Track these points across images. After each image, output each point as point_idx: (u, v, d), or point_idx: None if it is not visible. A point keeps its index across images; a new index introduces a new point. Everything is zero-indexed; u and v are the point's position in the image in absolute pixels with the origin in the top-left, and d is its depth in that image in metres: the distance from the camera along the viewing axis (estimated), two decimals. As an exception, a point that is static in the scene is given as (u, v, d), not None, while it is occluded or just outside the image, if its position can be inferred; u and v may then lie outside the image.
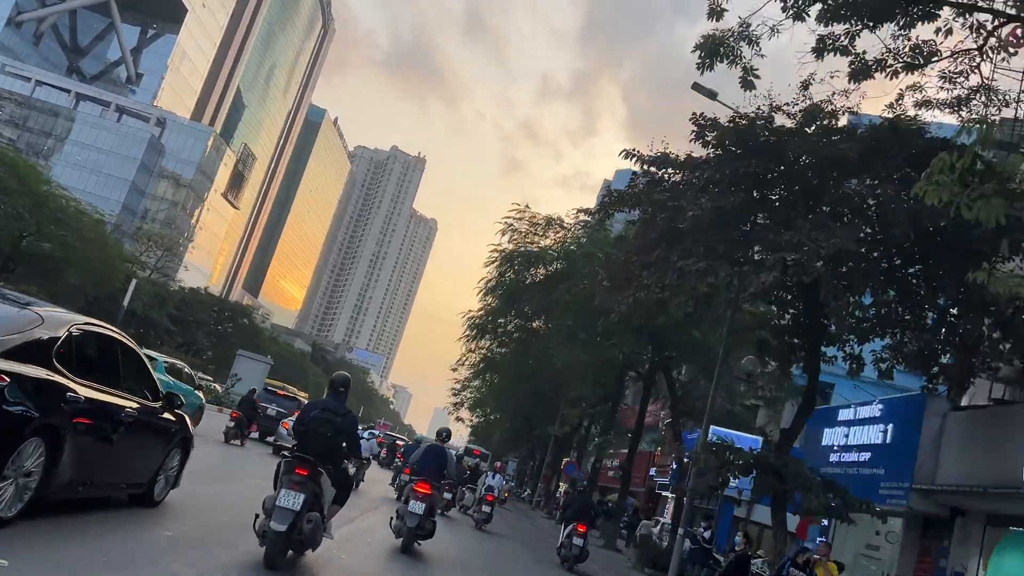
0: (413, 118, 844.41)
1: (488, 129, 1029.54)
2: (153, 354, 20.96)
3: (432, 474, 11.59)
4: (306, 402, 13.53)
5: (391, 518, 11.53)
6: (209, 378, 43.80)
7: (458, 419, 51.77)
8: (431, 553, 11.31)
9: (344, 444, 7.58)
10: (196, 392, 22.30)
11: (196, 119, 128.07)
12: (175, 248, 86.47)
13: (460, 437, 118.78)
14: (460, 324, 33.98)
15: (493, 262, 27.35)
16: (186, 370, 23.10)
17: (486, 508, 19.76)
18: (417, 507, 10.81)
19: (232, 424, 20.87)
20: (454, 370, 47.28)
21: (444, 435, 12.99)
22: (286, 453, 8.63)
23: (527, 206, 25.93)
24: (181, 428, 8.19)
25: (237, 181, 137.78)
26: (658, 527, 27.11)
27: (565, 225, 25.71)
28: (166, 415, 7.79)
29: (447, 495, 18.59)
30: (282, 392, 27.45)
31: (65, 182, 58.09)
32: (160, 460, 7.79)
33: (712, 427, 28.69)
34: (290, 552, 7.15)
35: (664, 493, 34.04)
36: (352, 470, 11.18)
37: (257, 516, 6.98)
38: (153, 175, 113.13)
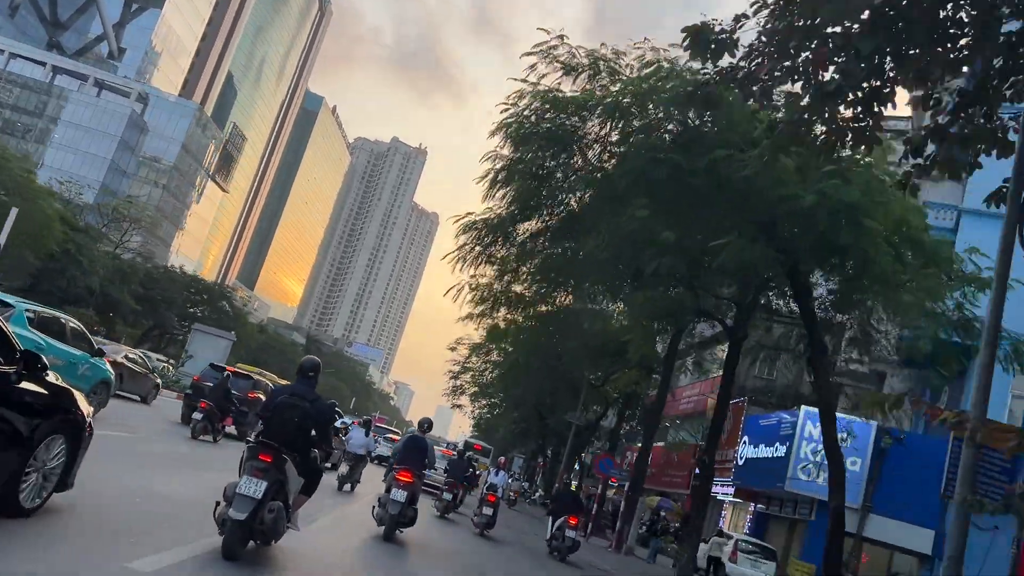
0: (419, 115, 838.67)
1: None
2: (8, 298, 13.97)
3: (413, 463, 11.75)
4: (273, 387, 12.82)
5: (373, 507, 11.78)
6: (165, 359, 36.93)
7: (455, 406, 44.90)
8: (411, 542, 11.65)
9: (313, 432, 7.21)
10: (98, 362, 15.37)
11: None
12: (152, 226, 79.39)
13: (462, 432, 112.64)
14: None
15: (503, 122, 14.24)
16: (72, 325, 15.92)
17: (487, 510, 17.24)
18: (399, 495, 11.16)
19: (200, 417, 17.40)
20: (452, 349, 40.43)
21: (425, 425, 13.15)
22: (250, 439, 7.25)
23: (561, 37, 13.34)
24: (60, 406, 6.20)
25: (226, 162, 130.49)
26: (730, 544, 20.06)
27: (623, 68, 13.35)
28: (27, 385, 5.77)
29: (447, 495, 18.24)
30: (248, 377, 23.31)
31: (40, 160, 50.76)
32: (21, 452, 5.72)
33: (804, 408, 21.81)
34: (252, 543, 6.80)
35: (724, 498, 26.97)
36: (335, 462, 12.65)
37: (218, 504, 6.66)
38: (135, 154, 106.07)
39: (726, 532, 22.26)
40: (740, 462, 23.97)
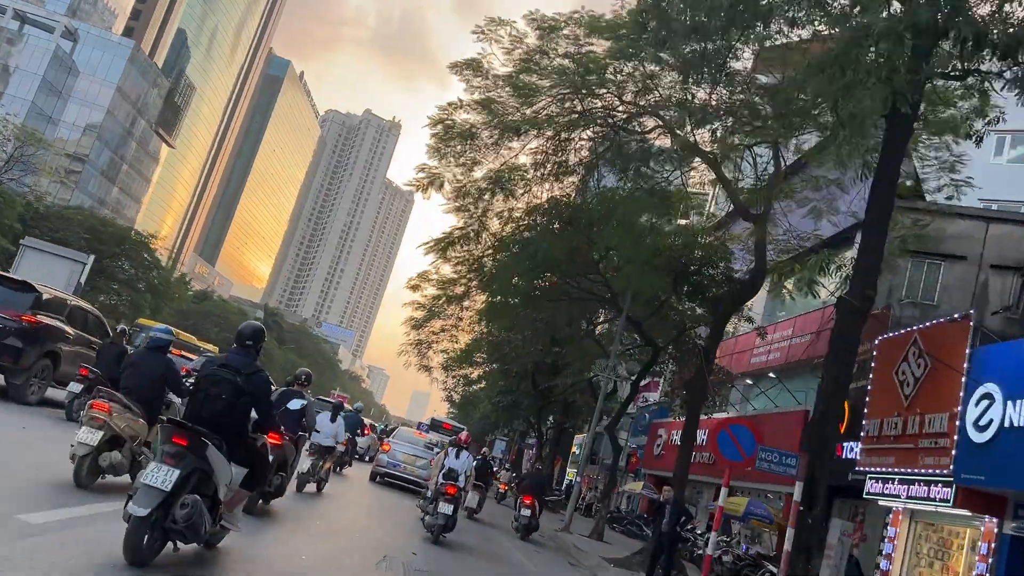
0: (402, 98, 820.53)
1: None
2: None
3: (286, 424, 9.84)
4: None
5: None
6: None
7: (423, 368, 33.50)
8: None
9: (251, 410, 6.09)
10: None
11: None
12: (66, 172, 66.51)
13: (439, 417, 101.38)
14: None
15: None
16: None
17: (445, 507, 12.27)
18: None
19: (79, 391, 11.97)
20: (415, 287, 28.64)
21: (303, 377, 11.13)
22: (163, 418, 6.43)
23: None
24: None
25: (172, 114, 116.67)
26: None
27: None
28: None
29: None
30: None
31: None
32: None
33: None
34: (171, 545, 5.68)
35: (900, 504, 15.00)
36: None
37: (129, 497, 5.33)
38: (62, 97, 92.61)
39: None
40: (972, 438, 12.19)
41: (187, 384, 8.10)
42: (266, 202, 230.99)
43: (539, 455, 39.04)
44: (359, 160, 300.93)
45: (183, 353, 19.85)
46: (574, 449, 46.19)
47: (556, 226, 18.97)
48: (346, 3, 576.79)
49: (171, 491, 5.24)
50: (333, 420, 14.29)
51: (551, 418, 38.86)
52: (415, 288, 28.71)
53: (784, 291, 19.42)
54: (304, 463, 12.70)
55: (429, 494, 13.36)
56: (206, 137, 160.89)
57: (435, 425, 41.95)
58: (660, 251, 17.49)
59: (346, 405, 26.81)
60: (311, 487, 13.39)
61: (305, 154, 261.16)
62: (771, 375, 23.12)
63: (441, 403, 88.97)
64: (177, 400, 10.20)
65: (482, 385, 50.38)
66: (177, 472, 5.29)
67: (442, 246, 20.54)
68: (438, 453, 17.89)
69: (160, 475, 5.24)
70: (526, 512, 17.09)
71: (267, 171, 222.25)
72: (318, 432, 13.21)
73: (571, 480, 41.36)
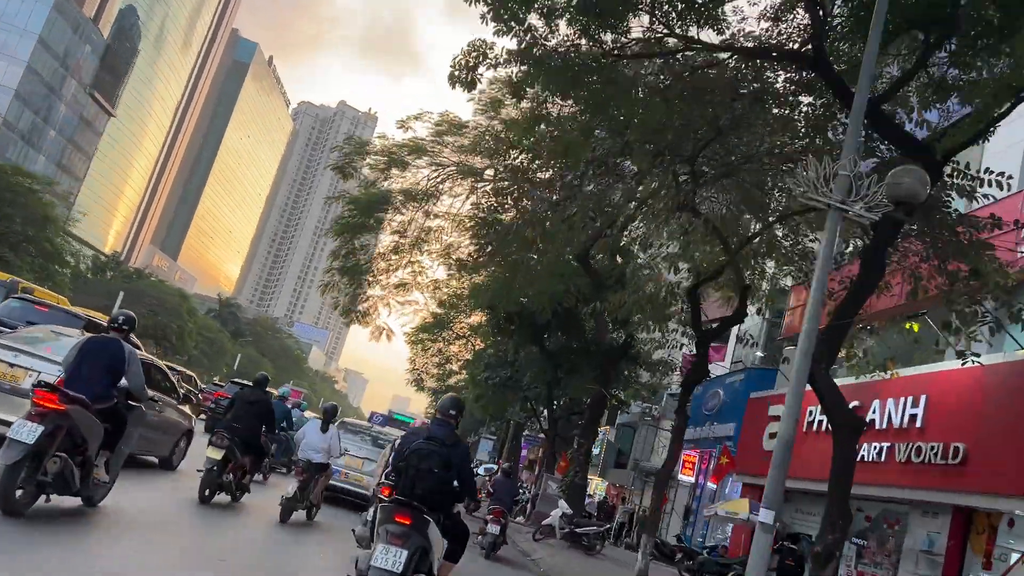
0: (389, 97, 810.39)
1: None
2: None
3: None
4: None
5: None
6: None
7: (352, 313, 21.73)
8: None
9: (455, 483, 6.03)
10: None
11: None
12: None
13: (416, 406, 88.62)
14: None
15: None
16: None
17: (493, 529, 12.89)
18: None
19: None
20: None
21: (261, 380, 11.55)
22: (383, 497, 6.12)
23: None
24: None
25: (110, 76, 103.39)
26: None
27: None
28: None
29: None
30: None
31: None
32: None
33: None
34: None
35: None
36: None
37: None
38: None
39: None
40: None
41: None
42: (233, 196, 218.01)
43: (553, 454, 26.83)
44: (333, 153, 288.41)
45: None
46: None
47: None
48: (334, 3, 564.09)
49: (402, 573, 5.35)
50: (324, 430, 11.56)
51: (559, 401, 26.97)
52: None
53: None
54: (290, 486, 10.63)
55: (369, 515, 8.11)
56: (163, 118, 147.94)
57: (391, 418, 30.27)
58: None
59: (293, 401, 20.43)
60: (300, 514, 10.91)
61: (276, 148, 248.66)
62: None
63: (424, 408, 77.43)
64: None
65: (462, 373, 38.77)
66: (405, 553, 5.41)
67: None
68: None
69: (390, 557, 5.36)
70: (494, 529, 13.67)
71: (234, 165, 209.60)
72: (305, 443, 11.25)
73: (603, 496, 29.61)
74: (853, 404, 13.49)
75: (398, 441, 6.43)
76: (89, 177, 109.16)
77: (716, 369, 24.58)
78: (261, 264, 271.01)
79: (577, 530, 16.95)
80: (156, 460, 12.15)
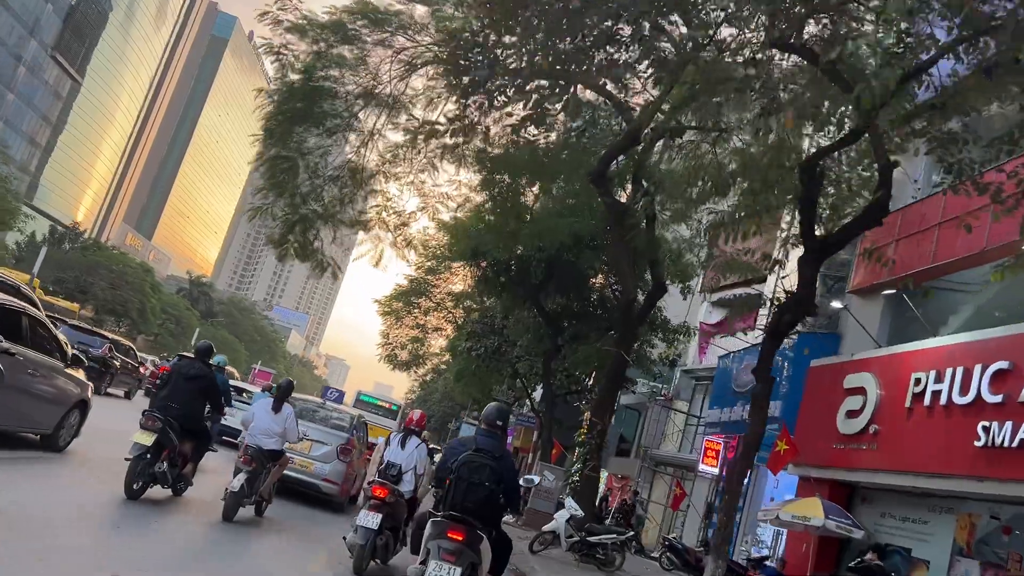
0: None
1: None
2: None
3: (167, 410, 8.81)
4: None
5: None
6: None
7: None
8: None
9: (502, 496, 5.83)
10: None
11: None
12: None
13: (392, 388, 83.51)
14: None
15: None
16: None
17: (367, 519, 7.77)
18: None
19: None
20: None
21: (203, 348, 9.68)
22: (434, 511, 5.95)
23: None
24: None
25: (76, 39, 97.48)
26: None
27: None
28: None
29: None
30: None
31: None
32: None
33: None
34: None
35: None
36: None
37: None
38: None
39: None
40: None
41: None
42: (211, 176, 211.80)
43: (551, 438, 22.52)
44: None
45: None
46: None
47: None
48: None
49: None
50: (277, 410, 9.72)
51: (556, 377, 22.78)
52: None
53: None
54: (236, 479, 8.86)
55: (361, 519, 7.90)
56: (136, 92, 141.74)
57: (361, 403, 26.23)
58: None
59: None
60: (247, 511, 9.34)
61: (257, 127, 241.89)
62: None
63: (406, 394, 73.60)
64: None
65: (445, 357, 35.20)
66: (459, 571, 5.39)
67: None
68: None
69: (443, 574, 5.33)
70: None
71: (212, 144, 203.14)
72: (254, 427, 9.46)
73: (607, 491, 25.40)
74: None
75: (444, 451, 6.00)
76: (57, 150, 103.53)
77: (740, 342, 20.47)
78: (240, 247, 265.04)
79: (590, 539, 12.88)
80: (36, 437, 9.68)
